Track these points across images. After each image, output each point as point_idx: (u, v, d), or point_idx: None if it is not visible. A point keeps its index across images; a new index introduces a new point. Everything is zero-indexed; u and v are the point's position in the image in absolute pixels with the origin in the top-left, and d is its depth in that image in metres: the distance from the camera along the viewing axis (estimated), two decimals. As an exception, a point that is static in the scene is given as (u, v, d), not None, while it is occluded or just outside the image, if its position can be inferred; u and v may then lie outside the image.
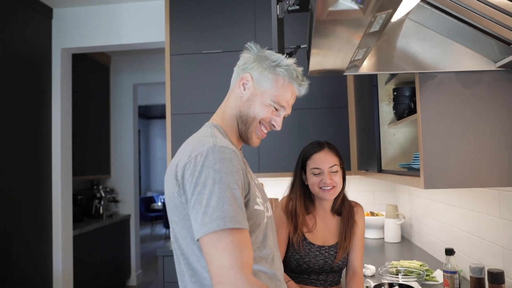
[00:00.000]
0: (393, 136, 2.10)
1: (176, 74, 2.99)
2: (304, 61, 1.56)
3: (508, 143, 1.37)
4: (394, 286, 1.59)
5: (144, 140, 10.57)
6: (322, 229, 1.62)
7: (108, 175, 4.95)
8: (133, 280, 5.05)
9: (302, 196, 1.63)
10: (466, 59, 1.36)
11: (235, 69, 1.23)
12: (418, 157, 1.58)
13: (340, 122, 2.87)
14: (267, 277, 1.09)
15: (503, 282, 1.45)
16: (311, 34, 1.08)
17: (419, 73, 1.39)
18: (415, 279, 1.77)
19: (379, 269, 1.92)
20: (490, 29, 1.19)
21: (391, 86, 2.08)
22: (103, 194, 4.66)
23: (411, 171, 1.67)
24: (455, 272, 1.62)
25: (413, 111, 1.75)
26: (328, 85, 2.88)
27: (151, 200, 9.30)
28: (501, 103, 1.37)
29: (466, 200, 1.86)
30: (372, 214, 2.93)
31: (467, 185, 1.37)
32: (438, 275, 1.84)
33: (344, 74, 1.44)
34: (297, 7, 1.68)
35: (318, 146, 1.62)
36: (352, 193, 3.14)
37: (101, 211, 4.63)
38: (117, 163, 5.05)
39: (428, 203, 2.38)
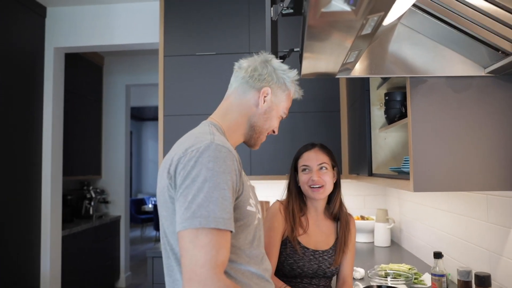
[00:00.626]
0: (384, 140, 2.11)
1: (169, 75, 2.99)
2: (297, 64, 1.57)
3: (496, 147, 1.39)
4: (382, 289, 1.60)
5: (136, 142, 10.52)
6: (315, 233, 1.62)
7: (99, 176, 4.92)
8: (122, 282, 5.01)
9: (297, 196, 1.63)
10: (456, 64, 1.38)
11: (242, 73, 1.22)
12: (408, 161, 1.60)
13: (332, 126, 2.89)
14: (256, 277, 1.09)
15: (489, 285, 1.47)
16: (304, 37, 1.09)
17: (410, 77, 1.41)
18: (404, 282, 1.78)
19: (368, 272, 1.93)
20: (480, 35, 1.21)
21: (383, 90, 2.10)
22: (93, 195, 4.63)
23: (401, 174, 1.68)
24: (443, 276, 1.63)
25: (404, 115, 1.77)
26: (321, 89, 2.90)
27: (142, 202, 9.25)
28: (490, 108, 1.39)
29: (455, 205, 1.88)
30: (363, 218, 2.94)
31: (456, 189, 1.39)
32: (427, 279, 1.86)
33: (336, 77, 1.45)
34: (291, 10, 1.69)
35: (310, 145, 1.63)
36: (343, 197, 3.17)
37: (91, 211, 4.60)
38: (108, 164, 5.02)
39: (418, 207, 2.40)
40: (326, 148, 1.64)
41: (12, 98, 3.22)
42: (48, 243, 3.50)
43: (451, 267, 1.89)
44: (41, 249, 3.50)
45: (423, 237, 2.31)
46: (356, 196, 3.19)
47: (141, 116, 10.06)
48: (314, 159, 1.58)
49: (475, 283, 1.50)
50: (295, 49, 2.07)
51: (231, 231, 0.95)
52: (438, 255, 1.66)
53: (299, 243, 1.56)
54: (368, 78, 2.18)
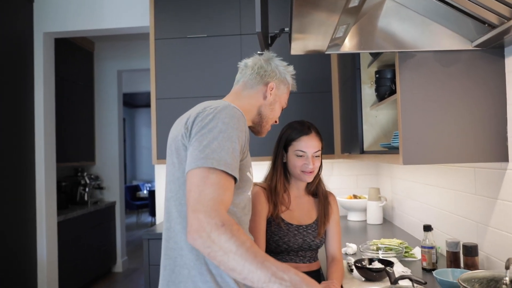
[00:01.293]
0: (375, 118, 2.14)
1: (160, 58, 2.97)
2: (287, 44, 1.58)
3: (483, 120, 1.41)
4: (374, 261, 1.63)
5: (129, 129, 10.49)
6: (297, 209, 1.65)
7: (92, 162, 4.92)
8: (118, 266, 5.06)
9: (282, 174, 1.65)
10: (444, 38, 1.39)
11: (249, 71, 1.36)
12: (398, 135, 1.62)
13: (324, 107, 2.90)
14: None
15: (476, 254, 1.51)
16: (292, 10, 1.10)
17: (399, 52, 1.43)
18: (395, 255, 1.83)
19: (360, 246, 1.97)
20: (467, 8, 1.22)
21: (373, 68, 2.11)
22: (87, 181, 4.64)
23: (391, 150, 1.71)
24: (432, 248, 1.67)
25: (394, 92, 1.79)
26: (313, 70, 2.90)
27: (137, 188, 9.26)
28: (476, 82, 1.41)
29: (444, 179, 1.91)
30: (355, 197, 2.98)
31: (444, 161, 1.42)
32: (417, 252, 1.90)
33: (326, 53, 1.47)
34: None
35: (306, 129, 1.61)
36: (336, 177, 3.21)
37: (85, 198, 4.61)
38: (101, 150, 5.02)
39: (409, 185, 2.44)
40: (318, 132, 1.65)
41: (2, 84, 3.19)
42: (44, 230, 3.52)
43: (441, 241, 1.93)
44: (37, 236, 3.52)
45: (414, 213, 2.36)
46: (348, 176, 3.23)
47: (134, 102, 10.00)
48: (311, 146, 1.58)
49: (463, 253, 1.55)
50: (285, 29, 2.07)
51: (235, 181, 1.04)
52: (427, 228, 1.70)
53: (282, 220, 1.59)
54: (358, 57, 2.19)
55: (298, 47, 1.48)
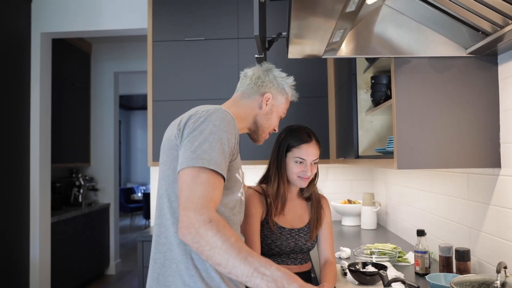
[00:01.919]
0: (370, 123, 2.15)
1: (158, 61, 2.98)
2: (284, 48, 1.60)
3: (476, 126, 1.43)
4: (367, 265, 1.64)
5: (124, 131, 10.46)
6: (290, 213, 1.66)
7: (87, 163, 4.91)
8: (111, 269, 5.03)
9: (279, 179, 1.66)
10: (438, 45, 1.42)
11: (247, 81, 1.40)
12: (392, 140, 1.64)
13: (320, 111, 2.92)
14: None
15: (469, 259, 1.53)
16: (290, 14, 1.12)
17: (394, 57, 1.44)
18: (388, 259, 1.84)
19: (354, 250, 1.98)
20: (462, 16, 1.24)
21: (369, 74, 2.13)
22: (82, 182, 4.62)
23: (386, 155, 1.72)
24: (425, 252, 1.69)
25: (389, 98, 1.81)
26: (309, 75, 2.92)
27: (131, 191, 9.24)
28: (470, 88, 1.43)
29: (438, 185, 1.93)
30: (350, 202, 3.00)
31: (438, 166, 1.44)
32: (410, 257, 1.91)
33: (323, 57, 1.48)
34: (279, -7, 1.71)
35: (307, 136, 1.61)
36: (331, 182, 3.23)
37: (80, 199, 4.59)
38: (97, 152, 5.00)
39: (403, 190, 2.46)
40: (318, 141, 1.66)
41: (-1, 83, 3.19)
42: (37, 230, 3.50)
43: (434, 246, 1.95)
44: (30, 236, 3.50)
45: (408, 219, 2.37)
46: (343, 180, 3.25)
47: (130, 105, 10.00)
48: (311, 155, 1.59)
49: (455, 258, 1.56)
50: (283, 33, 2.09)
51: (224, 180, 1.09)
52: (421, 233, 1.71)
53: (275, 223, 1.60)
54: (355, 62, 2.21)
55: (295, 51, 1.50)
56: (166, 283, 1.12)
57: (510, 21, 1.16)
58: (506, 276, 1.12)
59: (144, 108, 9.67)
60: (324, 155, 2.86)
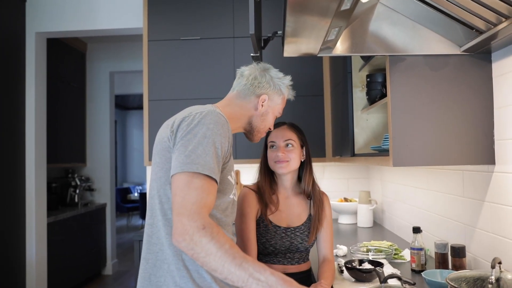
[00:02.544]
0: (366, 121, 2.16)
1: (153, 60, 2.98)
2: (280, 47, 1.60)
3: (471, 123, 1.44)
4: (364, 262, 1.65)
5: (120, 131, 10.45)
6: (286, 210, 1.66)
7: (83, 164, 4.89)
8: (108, 269, 5.02)
9: (267, 174, 1.67)
10: (433, 43, 1.42)
11: (244, 81, 1.38)
12: (388, 138, 1.65)
13: (315, 110, 2.93)
14: None
15: (464, 256, 1.54)
16: (286, 15, 1.12)
17: (389, 55, 1.45)
18: (384, 257, 1.85)
19: (350, 248, 1.99)
20: (456, 14, 1.25)
21: (365, 72, 2.14)
22: (78, 183, 4.61)
23: (382, 152, 1.73)
24: (421, 249, 1.70)
25: (385, 96, 1.82)
26: (305, 73, 2.93)
27: (127, 191, 9.22)
28: (465, 86, 1.44)
29: (433, 182, 1.94)
30: (346, 200, 3.01)
31: (433, 163, 1.45)
32: (406, 254, 1.92)
33: (318, 55, 1.49)
34: (274, -9, 1.72)
35: (280, 123, 1.67)
36: (327, 181, 3.24)
37: (76, 199, 4.58)
38: (93, 152, 4.99)
39: (399, 188, 2.47)
40: (294, 126, 1.68)
41: (-7, 83, 3.17)
42: (33, 231, 3.49)
43: (430, 243, 1.96)
44: (26, 237, 3.49)
45: (404, 216, 2.38)
46: (340, 179, 3.26)
47: (125, 105, 9.98)
48: (280, 135, 1.62)
49: (451, 255, 1.57)
50: (278, 32, 2.09)
51: (217, 184, 1.09)
52: (416, 230, 1.72)
53: (270, 222, 1.60)
54: (350, 61, 2.22)
55: (290, 49, 1.50)
56: (158, 283, 1.13)
57: (503, 19, 1.17)
58: (501, 272, 1.14)
59: (140, 107, 9.65)
60: (320, 154, 2.87)
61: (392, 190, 2.62)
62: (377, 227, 2.81)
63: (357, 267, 1.62)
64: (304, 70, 2.92)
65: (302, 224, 1.65)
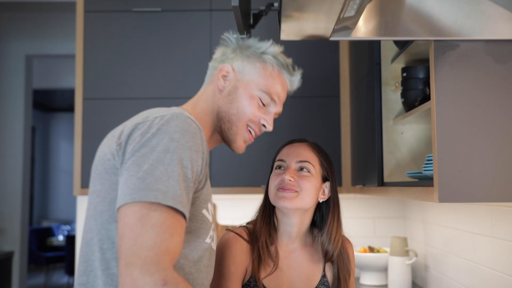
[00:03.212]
0: (401, 135, 2.17)
1: (92, 40, 2.97)
2: (276, 26, 1.61)
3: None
4: None
5: (40, 143, 10.38)
6: (289, 270, 1.61)
7: (-18, 192, 4.84)
8: None
9: (268, 213, 1.64)
10: (500, 23, 1.44)
11: (210, 64, 1.44)
12: (432, 160, 1.65)
13: (328, 117, 2.93)
14: None
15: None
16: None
17: (434, 41, 1.46)
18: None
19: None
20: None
21: (400, 64, 2.16)
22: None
23: (423, 181, 1.74)
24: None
25: (428, 99, 1.83)
26: (313, 66, 2.94)
27: (48, 232, 9.11)
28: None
29: (500, 227, 1.94)
30: (372, 250, 3.00)
31: (500, 199, 1.45)
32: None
33: (331, 39, 1.50)
34: None
35: (297, 140, 1.65)
36: (344, 221, 3.22)
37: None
38: (-3, 174, 4.94)
39: (450, 233, 2.47)
40: (318, 148, 1.65)
41: None
42: None
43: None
44: None
45: (457, 276, 2.38)
46: (362, 219, 3.25)
47: (49, 104, 9.93)
48: (294, 153, 1.60)
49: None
50: (274, 4, 2.12)
51: (186, 221, 1.06)
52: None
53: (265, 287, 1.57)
54: (378, 48, 2.23)
55: (291, 30, 1.51)
56: None
57: None
58: None
59: (71, 109, 9.61)
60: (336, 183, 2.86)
61: (439, 237, 2.62)
62: (417, 291, 2.80)
63: None
64: (312, 61, 2.94)
65: None
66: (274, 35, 1.89)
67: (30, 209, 8.28)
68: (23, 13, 5.00)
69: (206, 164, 1.15)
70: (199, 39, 2.96)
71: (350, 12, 1.29)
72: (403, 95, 2.02)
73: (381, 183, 2.15)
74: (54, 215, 10.59)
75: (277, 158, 1.63)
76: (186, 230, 1.10)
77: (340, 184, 2.89)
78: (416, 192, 1.66)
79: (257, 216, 1.66)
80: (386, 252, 2.96)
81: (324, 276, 1.65)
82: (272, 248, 1.61)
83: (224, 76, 1.37)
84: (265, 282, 1.57)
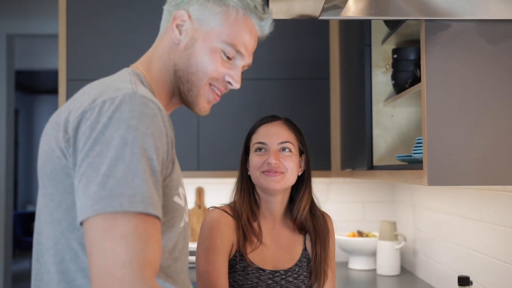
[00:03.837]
0: (391, 118, 2.17)
1: (75, 19, 2.94)
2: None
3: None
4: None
5: (24, 126, 10.32)
6: (272, 246, 1.66)
7: (-36, 175, 4.81)
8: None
9: (249, 192, 1.66)
10: (492, 2, 1.43)
11: (165, 7, 1.28)
12: (421, 143, 1.65)
13: (317, 101, 2.92)
14: None
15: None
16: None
17: (425, 20, 1.45)
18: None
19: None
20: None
21: (390, 46, 2.15)
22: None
23: (412, 164, 1.73)
24: (470, 311, 1.70)
25: (419, 81, 1.82)
26: (302, 47, 2.92)
27: (33, 217, 9.02)
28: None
29: (490, 210, 1.95)
30: (361, 234, 3.01)
31: (489, 182, 1.45)
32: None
33: (320, 18, 1.48)
34: None
35: (270, 118, 1.67)
36: (332, 205, 3.24)
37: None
38: (-21, 157, 4.91)
39: (439, 218, 2.48)
40: (292, 124, 1.69)
41: None
42: None
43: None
44: None
45: (446, 260, 2.39)
46: (351, 203, 3.26)
47: (33, 86, 9.85)
48: (274, 135, 1.63)
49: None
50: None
51: (160, 221, 0.96)
52: (464, 281, 1.72)
53: (251, 263, 1.59)
54: (369, 28, 2.22)
55: (279, 9, 1.49)
56: None
57: None
58: None
59: (55, 91, 9.55)
60: (323, 165, 2.86)
61: (428, 221, 2.63)
62: (406, 275, 2.82)
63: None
64: (301, 43, 2.92)
65: (295, 265, 1.66)
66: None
67: (15, 194, 8.24)
68: (5, -8, 4.94)
69: (172, 146, 1.04)
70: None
71: (339, -10, 1.27)
72: (393, 77, 2.02)
73: (371, 166, 2.15)
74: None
75: (255, 140, 1.65)
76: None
77: (329, 167, 2.89)
78: (405, 175, 1.66)
79: (235, 197, 1.69)
80: (375, 236, 2.97)
81: (305, 249, 1.71)
82: (255, 225, 1.67)
83: (179, 26, 1.20)
84: (250, 256, 1.61)
